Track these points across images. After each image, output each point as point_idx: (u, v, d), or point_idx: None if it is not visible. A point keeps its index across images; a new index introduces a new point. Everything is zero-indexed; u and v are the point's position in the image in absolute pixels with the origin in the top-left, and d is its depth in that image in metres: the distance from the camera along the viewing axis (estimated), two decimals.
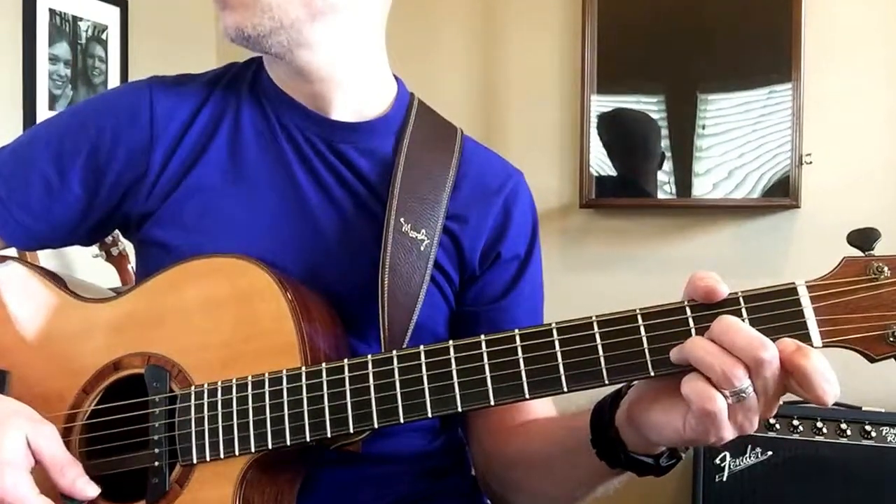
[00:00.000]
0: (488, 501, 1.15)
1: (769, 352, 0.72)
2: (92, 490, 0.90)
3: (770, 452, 2.10)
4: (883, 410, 2.10)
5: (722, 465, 2.13)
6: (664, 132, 2.48)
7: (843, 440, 2.06)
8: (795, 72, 2.33)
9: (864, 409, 2.10)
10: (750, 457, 2.12)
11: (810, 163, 2.32)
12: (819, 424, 2.08)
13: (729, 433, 0.75)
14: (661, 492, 2.43)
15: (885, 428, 2.05)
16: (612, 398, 0.86)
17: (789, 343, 0.73)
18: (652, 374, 0.77)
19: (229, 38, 1.01)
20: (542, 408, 1.08)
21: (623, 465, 0.85)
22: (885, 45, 2.34)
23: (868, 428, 2.05)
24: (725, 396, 0.73)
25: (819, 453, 2.08)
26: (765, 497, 2.12)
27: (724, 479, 2.13)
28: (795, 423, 2.09)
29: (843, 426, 2.06)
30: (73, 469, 0.90)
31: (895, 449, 2.03)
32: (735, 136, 2.40)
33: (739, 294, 0.76)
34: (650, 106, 2.51)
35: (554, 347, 0.80)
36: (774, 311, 0.75)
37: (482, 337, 0.83)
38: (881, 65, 2.35)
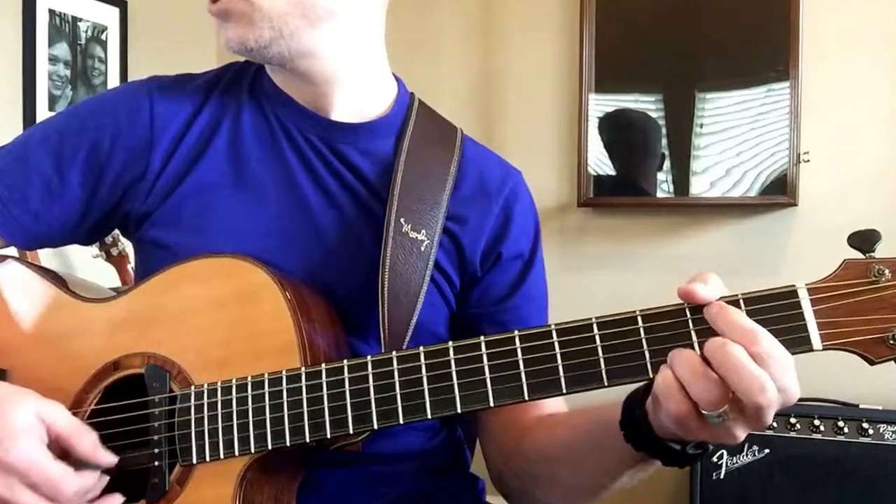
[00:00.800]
0: (487, 500, 1.15)
1: (766, 397, 0.71)
2: (110, 456, 0.90)
3: (767, 450, 2.11)
4: (880, 408, 2.10)
5: (719, 462, 2.13)
6: (662, 131, 2.49)
7: (841, 438, 2.06)
8: (793, 70, 2.33)
9: (861, 406, 2.10)
10: (747, 454, 2.12)
11: (808, 161, 2.32)
12: (816, 422, 2.08)
13: (705, 436, 0.76)
14: (658, 489, 2.44)
15: (882, 425, 2.05)
16: (650, 384, 0.85)
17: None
18: (651, 376, 0.77)
19: (231, 51, 1.01)
20: (554, 403, 1.08)
21: (647, 447, 0.84)
22: (883, 43, 2.34)
23: (865, 425, 2.05)
24: (708, 417, 0.73)
25: (816, 451, 2.08)
26: (762, 495, 2.12)
27: (722, 476, 2.13)
28: (793, 420, 2.09)
29: (841, 424, 2.06)
30: (89, 436, 0.90)
31: (892, 446, 2.03)
32: (733, 135, 2.40)
33: (739, 296, 0.76)
34: (648, 105, 2.51)
35: (554, 349, 0.80)
36: (774, 313, 0.75)
37: (482, 338, 0.83)
38: (879, 63, 2.35)
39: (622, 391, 0.85)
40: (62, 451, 0.89)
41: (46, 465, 0.86)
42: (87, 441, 0.89)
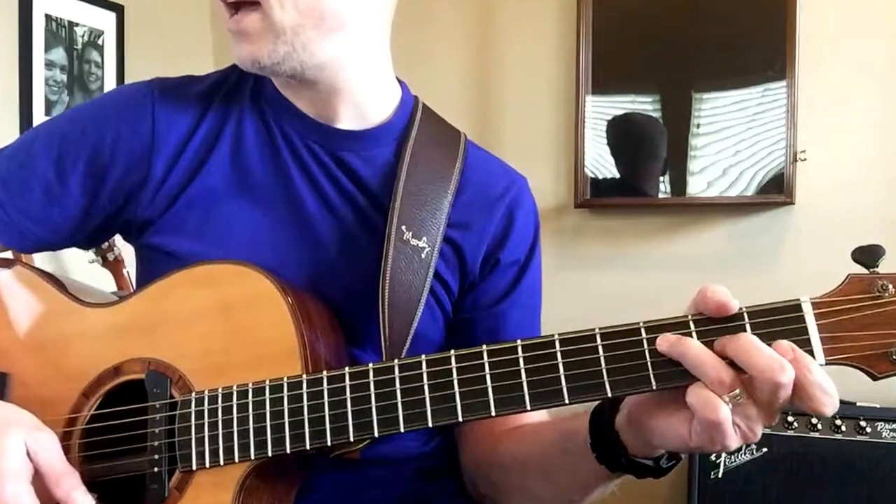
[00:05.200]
0: None
1: (786, 375, 0.72)
2: (88, 502, 0.89)
3: (765, 449, 2.10)
4: (878, 406, 2.10)
5: (717, 461, 2.13)
6: (666, 134, 2.49)
7: (838, 436, 2.06)
8: (790, 69, 2.33)
9: (858, 404, 2.10)
10: (745, 453, 2.12)
11: (805, 160, 2.32)
12: (814, 420, 2.07)
13: (733, 442, 0.75)
14: (656, 489, 2.44)
15: (879, 424, 2.04)
16: (611, 402, 0.86)
17: (790, 353, 0.73)
18: (654, 387, 0.77)
19: (244, 69, 1.01)
20: (533, 413, 1.08)
21: (623, 468, 0.85)
22: (880, 42, 2.34)
23: (863, 423, 2.05)
24: (725, 402, 0.73)
25: (814, 449, 2.07)
26: (760, 493, 2.11)
27: (720, 475, 2.13)
28: (790, 419, 2.09)
29: (838, 422, 2.06)
30: (69, 479, 0.89)
31: (890, 445, 2.03)
32: (730, 135, 2.40)
33: (744, 309, 0.76)
34: (645, 106, 2.51)
35: (556, 359, 0.80)
36: (778, 326, 0.75)
37: (483, 347, 0.83)
38: (875, 62, 2.35)
39: None
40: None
41: None
42: (65, 486, 0.89)
